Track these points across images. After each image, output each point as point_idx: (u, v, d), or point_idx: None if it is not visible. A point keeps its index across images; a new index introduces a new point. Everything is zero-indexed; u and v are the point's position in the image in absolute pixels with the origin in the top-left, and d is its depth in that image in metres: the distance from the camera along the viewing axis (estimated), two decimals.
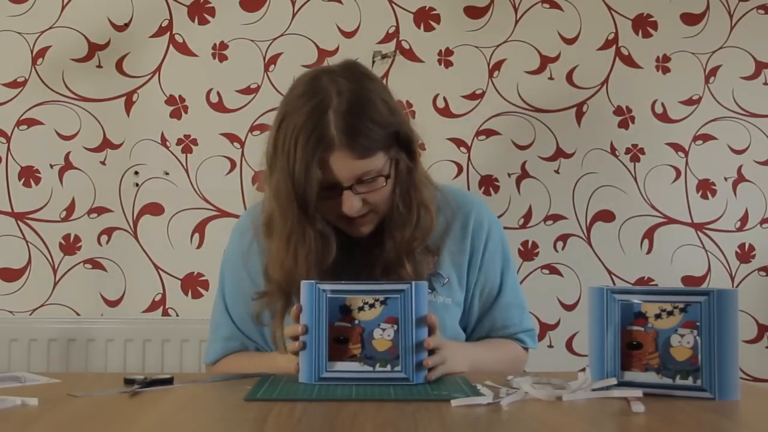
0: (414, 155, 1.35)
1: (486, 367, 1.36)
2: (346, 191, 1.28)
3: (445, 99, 2.26)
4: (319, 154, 1.24)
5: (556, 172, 2.27)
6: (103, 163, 2.23)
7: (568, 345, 2.25)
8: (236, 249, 1.49)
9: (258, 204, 1.49)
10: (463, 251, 1.44)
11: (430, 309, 1.22)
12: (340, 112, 1.25)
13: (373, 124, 1.27)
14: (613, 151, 2.27)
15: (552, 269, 2.26)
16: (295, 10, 2.25)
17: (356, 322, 1.20)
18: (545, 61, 2.27)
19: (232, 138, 2.24)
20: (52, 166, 2.22)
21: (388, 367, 1.19)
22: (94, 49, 2.23)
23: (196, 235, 2.23)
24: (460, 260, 1.44)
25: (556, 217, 2.27)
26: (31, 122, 2.22)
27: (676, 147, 2.28)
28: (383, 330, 1.20)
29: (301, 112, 1.26)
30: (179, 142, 2.23)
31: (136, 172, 2.23)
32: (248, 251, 1.45)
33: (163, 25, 2.24)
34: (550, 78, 2.28)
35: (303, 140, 1.24)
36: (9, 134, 2.22)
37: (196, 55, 2.24)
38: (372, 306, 1.21)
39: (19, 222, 2.21)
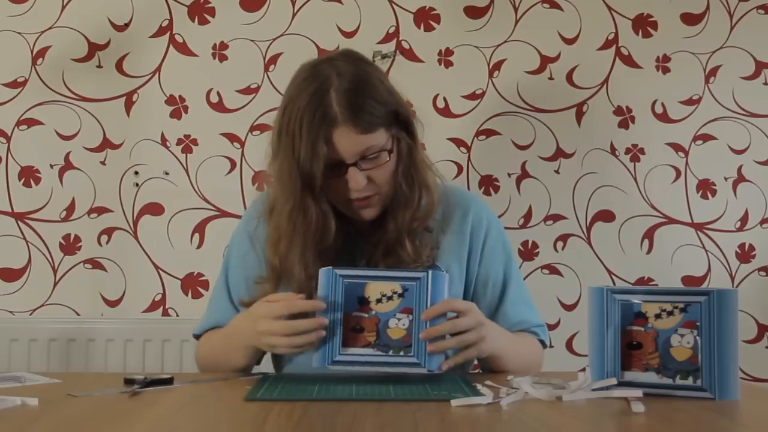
0: (414, 135, 1.39)
1: (512, 357, 1.36)
2: (351, 168, 1.31)
3: (445, 99, 2.26)
4: (324, 131, 1.28)
5: (556, 172, 2.27)
6: (103, 163, 2.22)
7: (568, 345, 2.25)
8: (243, 231, 1.51)
9: (252, 205, 1.51)
10: (462, 245, 1.45)
11: None
12: (341, 91, 1.29)
13: (374, 101, 1.31)
14: (613, 151, 2.27)
15: (552, 269, 2.26)
16: (295, 10, 2.25)
17: (373, 312, 1.22)
18: (545, 61, 2.27)
19: (232, 138, 2.24)
20: (52, 166, 2.22)
21: (402, 353, 1.20)
22: (94, 49, 2.23)
23: (196, 235, 2.23)
24: (459, 253, 1.45)
25: (556, 217, 2.27)
26: (31, 122, 2.22)
27: (676, 147, 2.28)
28: (399, 320, 1.22)
29: (303, 96, 1.30)
30: (179, 142, 2.23)
31: (136, 172, 2.23)
32: (255, 232, 1.46)
33: (163, 25, 2.24)
34: (550, 78, 2.28)
35: (307, 119, 1.28)
36: (9, 134, 2.22)
37: (196, 55, 2.24)
38: (390, 299, 1.22)
39: (19, 222, 2.21)
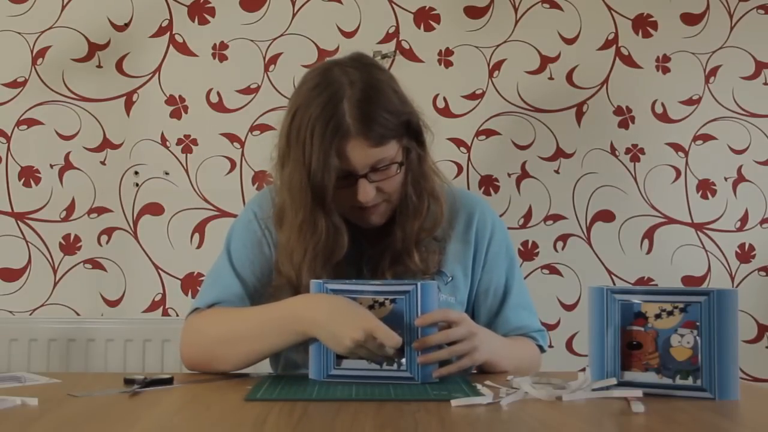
0: (424, 145, 1.37)
1: (506, 362, 1.35)
2: (361, 179, 1.29)
3: (445, 99, 2.26)
4: (336, 143, 1.26)
5: (556, 172, 2.27)
6: (103, 163, 2.23)
7: (568, 345, 2.25)
8: (252, 216, 1.45)
9: (262, 194, 1.48)
10: (467, 249, 1.44)
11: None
12: (354, 101, 1.27)
13: (387, 113, 1.28)
14: (613, 151, 2.27)
15: (552, 269, 2.26)
16: (295, 10, 2.25)
17: None
18: (545, 61, 2.27)
19: (232, 138, 2.24)
20: (52, 166, 2.22)
21: (395, 366, 1.20)
22: (94, 49, 2.23)
23: (196, 235, 2.23)
24: (464, 258, 1.44)
25: (556, 217, 2.27)
26: (31, 122, 2.22)
27: (676, 147, 2.28)
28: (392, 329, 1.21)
29: (315, 104, 1.27)
30: (179, 142, 2.23)
31: (136, 172, 2.23)
32: (267, 222, 1.42)
33: (163, 25, 2.24)
34: (550, 78, 2.28)
35: (319, 130, 1.25)
36: (9, 134, 2.22)
37: (196, 55, 2.24)
38: (382, 305, 1.22)
39: (19, 222, 2.21)
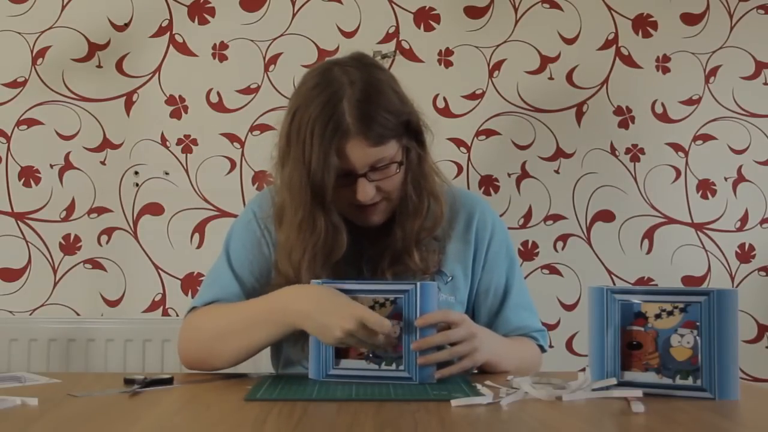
0: (424, 145, 1.38)
1: (507, 362, 1.35)
2: (360, 179, 1.29)
3: (445, 99, 2.26)
4: (336, 142, 1.26)
5: (556, 172, 2.27)
6: (103, 163, 2.23)
7: (568, 345, 2.25)
8: (252, 217, 1.45)
9: (262, 194, 1.48)
10: (467, 249, 1.45)
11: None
12: (354, 101, 1.27)
13: (387, 113, 1.29)
14: (613, 151, 2.27)
15: (552, 269, 2.26)
16: (295, 10, 2.25)
17: None
18: (545, 61, 2.27)
19: (232, 138, 2.24)
20: (52, 166, 2.22)
21: (393, 366, 1.21)
22: (94, 49, 2.23)
23: (196, 235, 2.23)
24: (464, 258, 1.44)
25: (556, 217, 2.27)
26: (31, 122, 2.22)
27: (676, 147, 2.28)
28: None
29: (315, 104, 1.27)
30: (179, 142, 2.23)
31: (136, 172, 2.23)
32: (266, 221, 1.42)
33: (163, 25, 2.24)
34: (550, 78, 2.28)
35: (319, 130, 1.26)
36: (9, 134, 2.22)
37: (196, 55, 2.24)
38: (382, 305, 1.22)
39: (19, 222, 2.21)
